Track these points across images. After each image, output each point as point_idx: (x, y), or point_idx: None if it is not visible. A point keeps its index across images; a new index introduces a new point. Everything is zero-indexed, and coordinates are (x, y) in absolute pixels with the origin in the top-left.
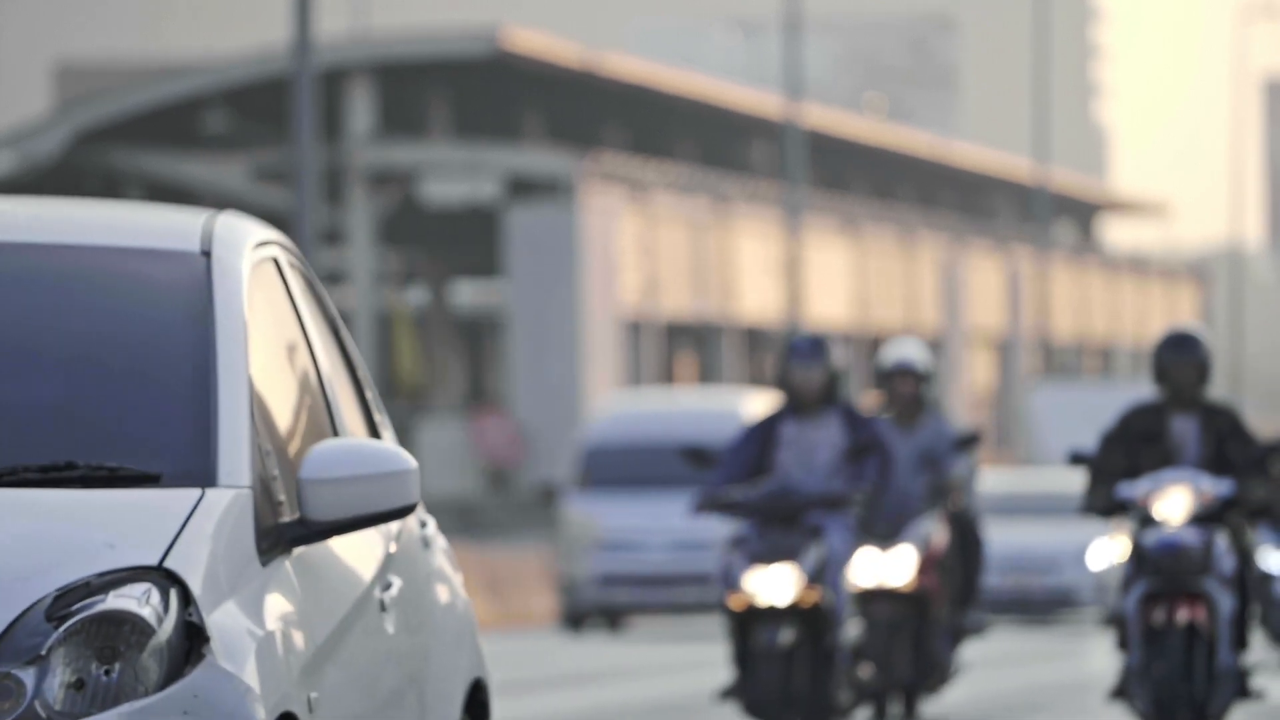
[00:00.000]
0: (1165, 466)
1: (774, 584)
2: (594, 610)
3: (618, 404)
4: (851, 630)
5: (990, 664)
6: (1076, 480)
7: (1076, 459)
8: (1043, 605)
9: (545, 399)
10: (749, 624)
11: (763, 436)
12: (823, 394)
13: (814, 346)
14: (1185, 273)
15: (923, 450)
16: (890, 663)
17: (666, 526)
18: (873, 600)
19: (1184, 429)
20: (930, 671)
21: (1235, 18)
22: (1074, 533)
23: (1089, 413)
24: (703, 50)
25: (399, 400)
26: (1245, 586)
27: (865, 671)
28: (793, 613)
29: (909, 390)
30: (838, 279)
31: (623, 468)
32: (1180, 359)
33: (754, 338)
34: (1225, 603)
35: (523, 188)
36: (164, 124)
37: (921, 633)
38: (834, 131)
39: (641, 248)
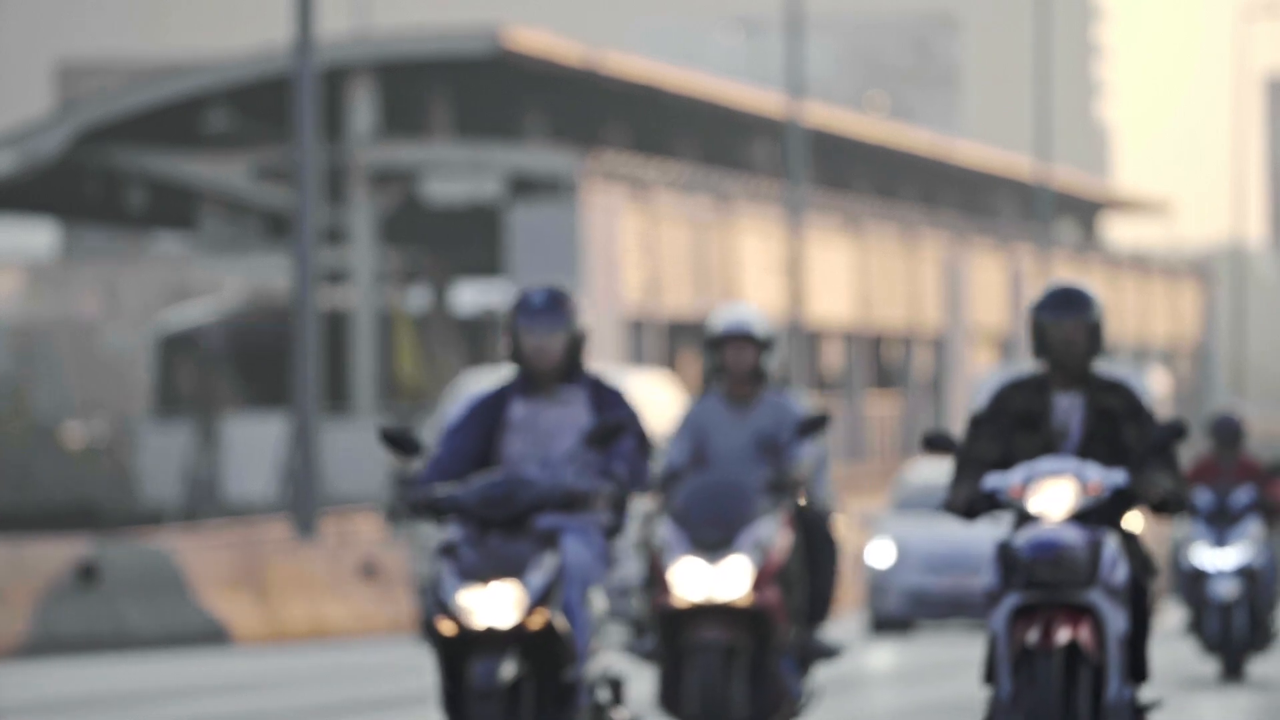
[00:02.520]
0: (1046, 454)
1: (492, 605)
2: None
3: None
4: (600, 663)
5: (915, 674)
6: None
7: (934, 443)
8: (981, 608)
9: None
10: (462, 654)
11: (487, 418)
12: (564, 365)
13: (551, 303)
14: (1187, 271)
15: (761, 435)
16: (724, 695)
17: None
18: (700, 621)
19: (1069, 409)
20: (772, 705)
21: (1237, 16)
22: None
23: None
24: (704, 49)
25: (400, 400)
26: (1141, 602)
27: (621, 715)
28: (517, 640)
29: (745, 361)
30: (840, 278)
31: None
32: (1064, 321)
33: None
34: (1115, 620)
35: (524, 187)
36: (165, 123)
37: (761, 658)
38: (836, 130)
39: (643, 246)
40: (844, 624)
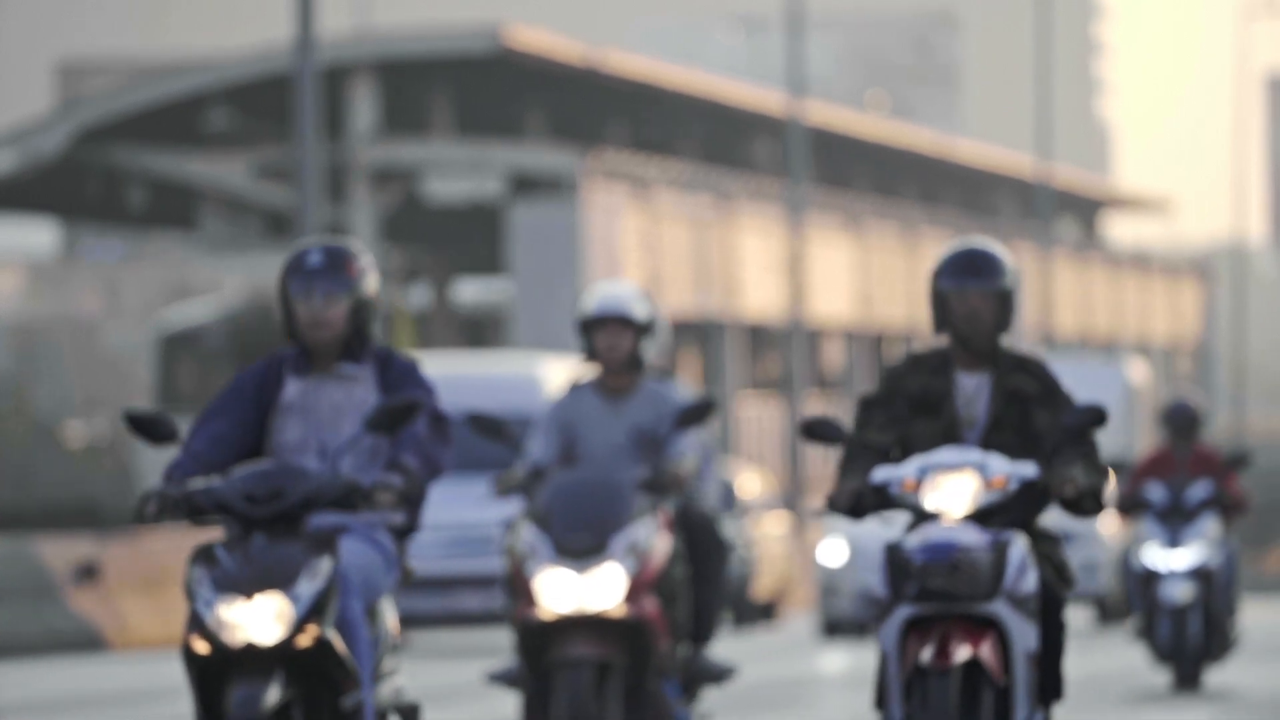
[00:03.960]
0: (946, 442)
1: (254, 620)
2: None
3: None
4: (391, 687)
5: (869, 680)
6: None
7: (816, 430)
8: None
9: None
10: (219, 678)
11: (257, 398)
12: (347, 336)
13: (330, 262)
14: (1188, 269)
15: (638, 429)
16: (596, 719)
17: (443, 519)
18: (568, 636)
19: (974, 391)
20: None
21: (1238, 14)
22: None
23: None
24: (705, 47)
25: None
26: (1054, 614)
27: None
28: (284, 661)
29: (620, 346)
30: (841, 276)
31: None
32: (968, 289)
33: (757, 335)
34: (1024, 634)
35: (525, 185)
36: (166, 122)
37: (638, 678)
38: (836, 128)
39: (644, 245)
40: (794, 627)
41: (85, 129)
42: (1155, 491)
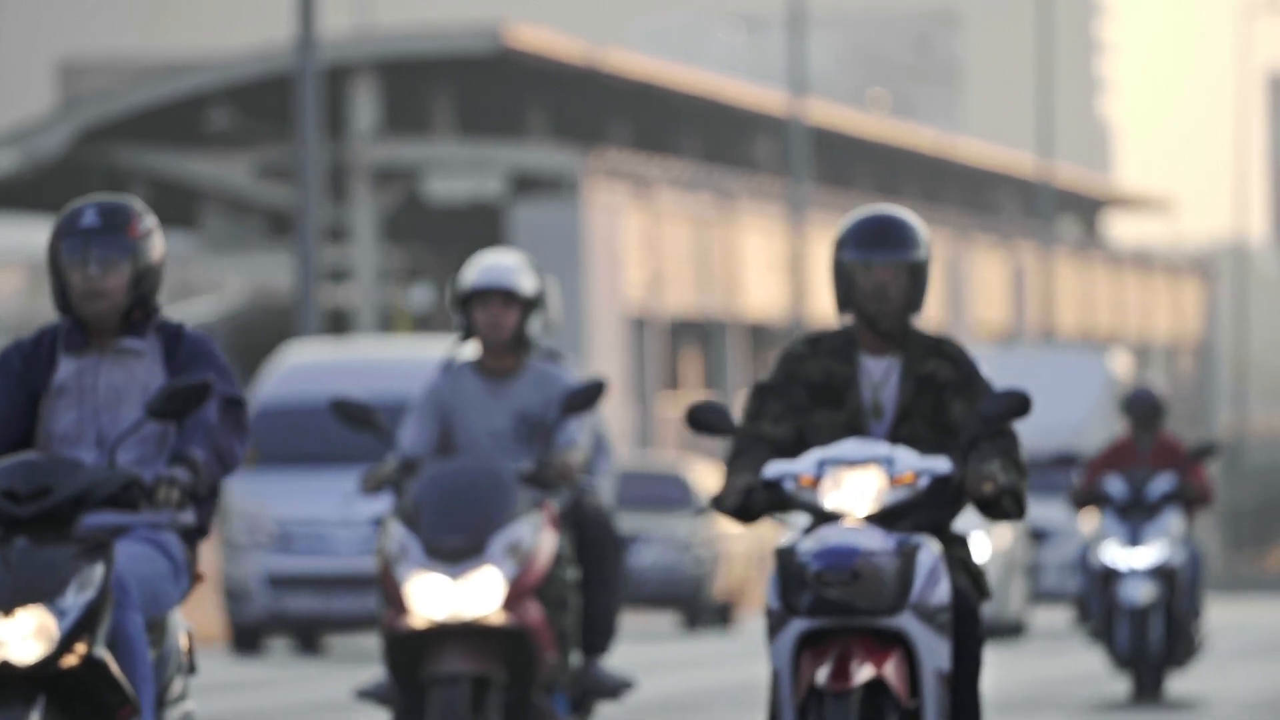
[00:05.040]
0: (850, 434)
1: (12, 638)
2: (268, 625)
3: (296, 355)
4: (179, 712)
5: None
6: None
7: (702, 420)
8: None
9: None
10: None
11: (27, 380)
12: (128, 307)
13: (107, 220)
14: (1190, 268)
15: (523, 415)
16: None
17: (357, 514)
18: (442, 647)
19: (881, 377)
20: None
21: (1239, 12)
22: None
23: (1003, 379)
24: (706, 46)
25: None
26: (969, 628)
27: None
28: (45, 684)
29: (504, 323)
30: None
31: (301, 438)
32: (875, 262)
33: (758, 334)
34: (934, 651)
35: (527, 184)
36: (168, 122)
37: (521, 693)
38: (838, 127)
39: (646, 244)
40: (752, 628)
41: (86, 129)
42: (1115, 485)
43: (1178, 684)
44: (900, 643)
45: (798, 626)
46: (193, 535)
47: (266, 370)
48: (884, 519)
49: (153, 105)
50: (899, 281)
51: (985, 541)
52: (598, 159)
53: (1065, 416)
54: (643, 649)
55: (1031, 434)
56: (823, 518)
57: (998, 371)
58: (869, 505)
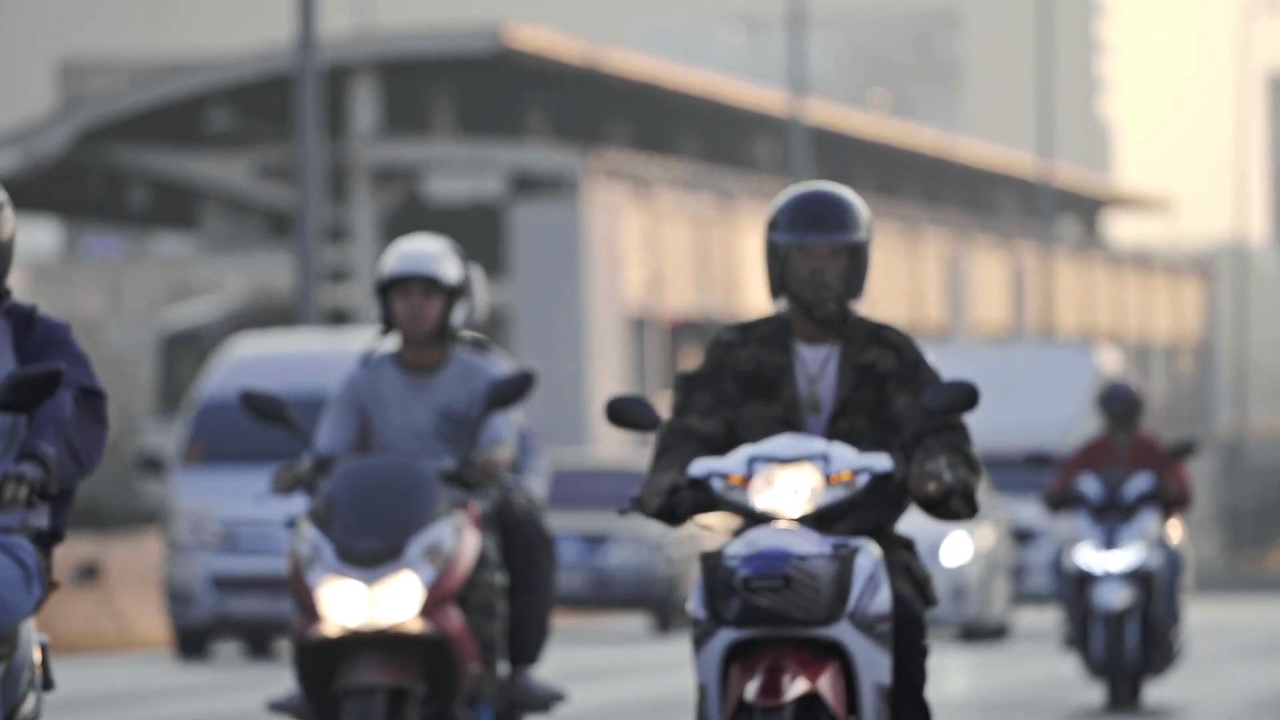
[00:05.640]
0: (785, 429)
1: None
2: (214, 628)
3: (244, 347)
4: None
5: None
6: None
7: (621, 413)
8: None
9: (549, 396)
10: None
11: None
12: None
13: None
14: (1190, 268)
15: (447, 410)
16: None
17: (269, 515)
18: (356, 657)
19: (818, 367)
20: None
21: (1239, 12)
22: (926, 522)
23: (974, 378)
24: (706, 46)
25: None
26: (913, 638)
27: None
28: None
29: (426, 313)
30: None
31: (247, 434)
32: (812, 243)
33: None
34: (873, 663)
35: (527, 184)
36: (168, 122)
37: (442, 705)
38: (838, 127)
39: (646, 244)
40: None
41: (86, 129)
42: (1090, 485)
43: (1154, 692)
44: (836, 654)
45: (725, 637)
46: (46, 539)
47: (211, 364)
48: (820, 521)
49: (153, 105)
50: (837, 265)
51: (967, 542)
52: (598, 159)
53: (1053, 414)
54: (614, 652)
55: (1020, 432)
56: (753, 519)
57: (986, 369)
58: (803, 506)
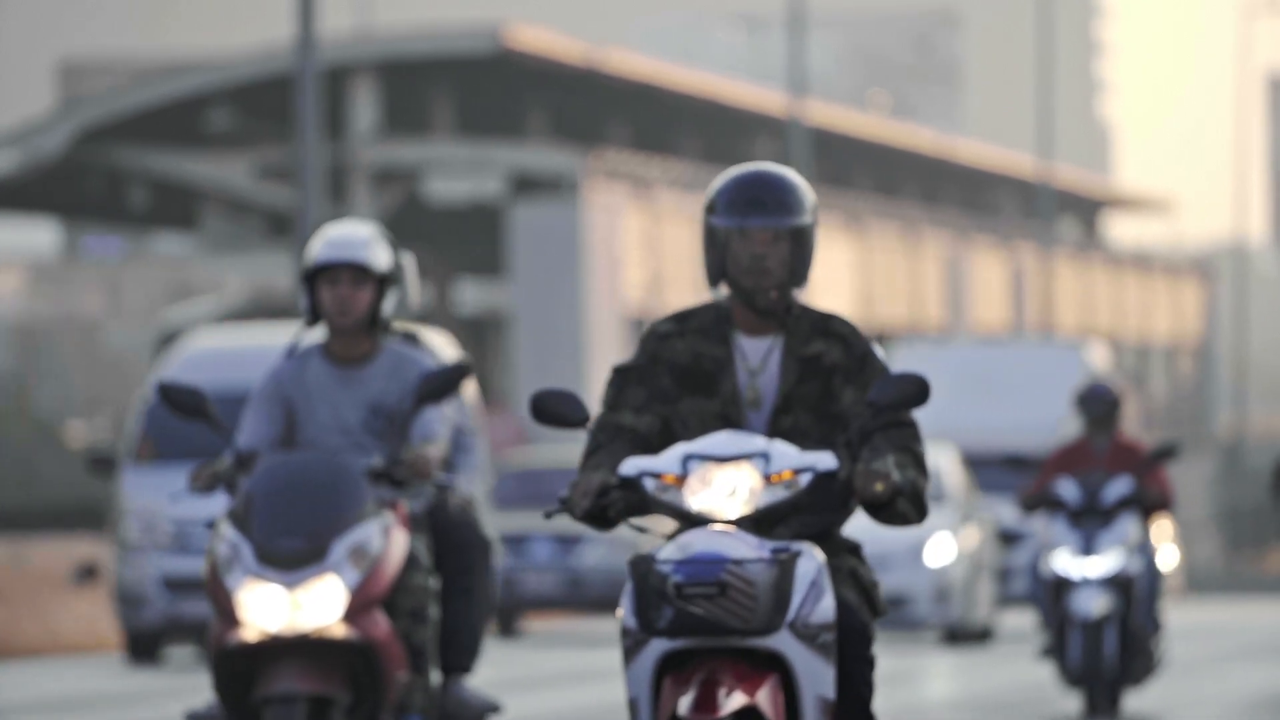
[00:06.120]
0: (723, 425)
1: None
2: (166, 631)
3: (200, 341)
4: None
5: None
6: (929, 458)
7: (548, 408)
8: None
9: None
10: None
11: None
12: None
13: None
14: (1189, 269)
15: (377, 404)
16: None
17: (186, 514)
18: (275, 664)
19: (759, 359)
20: None
21: (1239, 13)
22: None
23: (960, 376)
24: (706, 47)
25: None
26: (859, 649)
27: None
28: None
29: (355, 303)
30: (842, 276)
31: (200, 431)
32: (753, 228)
33: None
34: (816, 675)
35: (527, 185)
36: (168, 122)
37: (364, 718)
38: (838, 128)
39: (645, 245)
40: None
41: (86, 129)
42: (1067, 488)
43: (1133, 702)
44: (776, 666)
45: (657, 648)
46: None
47: (164, 358)
48: (759, 523)
49: (153, 105)
50: (779, 250)
51: (951, 542)
52: (597, 159)
53: (1043, 413)
54: (587, 655)
55: (1009, 431)
56: (689, 521)
57: (975, 368)
58: (741, 507)
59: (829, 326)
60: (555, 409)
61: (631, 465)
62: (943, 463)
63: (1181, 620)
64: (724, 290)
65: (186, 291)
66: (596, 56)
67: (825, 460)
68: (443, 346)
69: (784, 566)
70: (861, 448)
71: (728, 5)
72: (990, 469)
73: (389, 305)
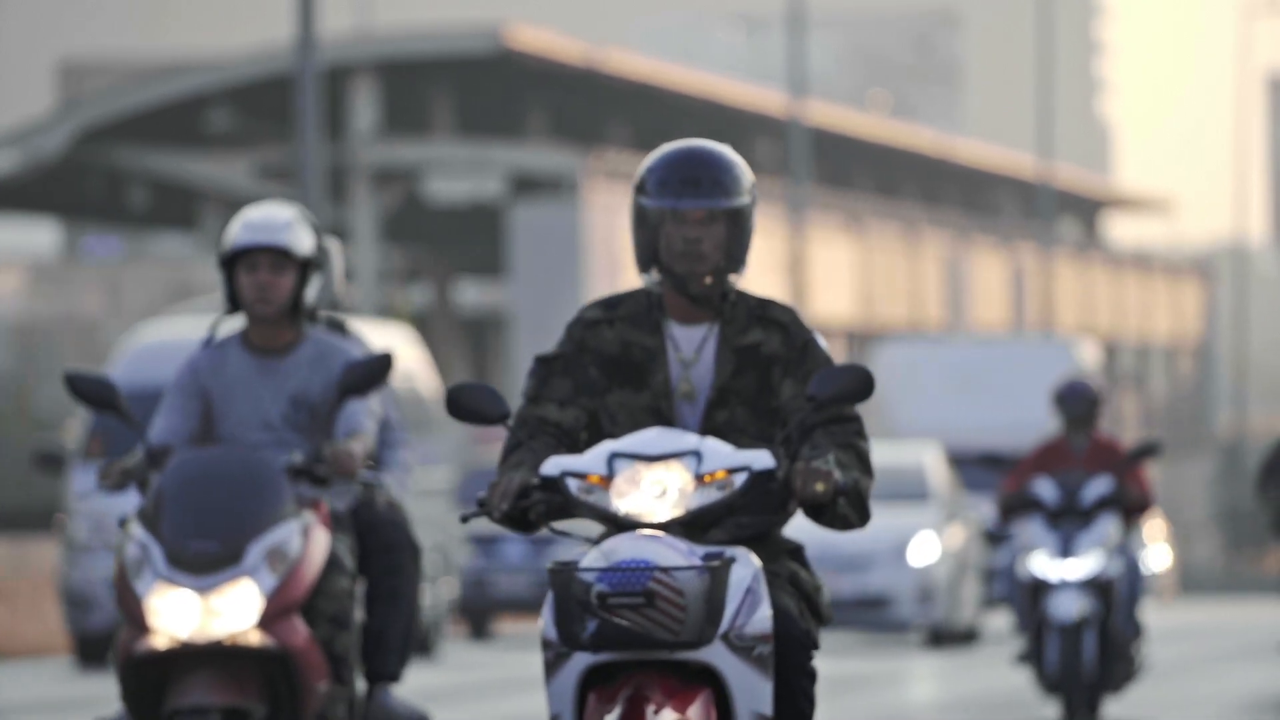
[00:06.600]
0: (654, 421)
1: None
2: (115, 634)
3: (147, 334)
4: None
5: None
6: (913, 456)
7: (462, 403)
8: (848, 611)
9: None
10: None
11: None
12: None
13: None
14: (1189, 269)
15: (299, 396)
16: None
17: (100, 511)
18: (187, 673)
19: (693, 350)
20: None
21: (1239, 13)
22: (893, 520)
23: (950, 374)
24: (706, 47)
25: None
26: (798, 662)
27: None
28: None
29: (276, 290)
30: (842, 276)
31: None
32: (686, 208)
33: None
34: (752, 690)
35: (526, 185)
36: (168, 122)
37: None
38: (838, 128)
39: None
40: None
41: (86, 129)
42: (1045, 488)
43: (1112, 709)
44: (709, 680)
45: (580, 662)
46: None
47: (114, 352)
48: (690, 527)
49: (153, 106)
50: (714, 233)
51: (935, 541)
52: (598, 159)
53: (1033, 412)
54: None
55: (997, 429)
56: (615, 525)
57: (964, 365)
58: (671, 510)
59: (767, 313)
60: (472, 404)
61: (553, 464)
62: (927, 461)
63: (1181, 621)
64: (655, 276)
65: (186, 291)
66: (596, 56)
67: (762, 459)
68: (373, 337)
69: (716, 573)
70: (801, 445)
71: (728, 5)
72: (977, 467)
73: (312, 292)
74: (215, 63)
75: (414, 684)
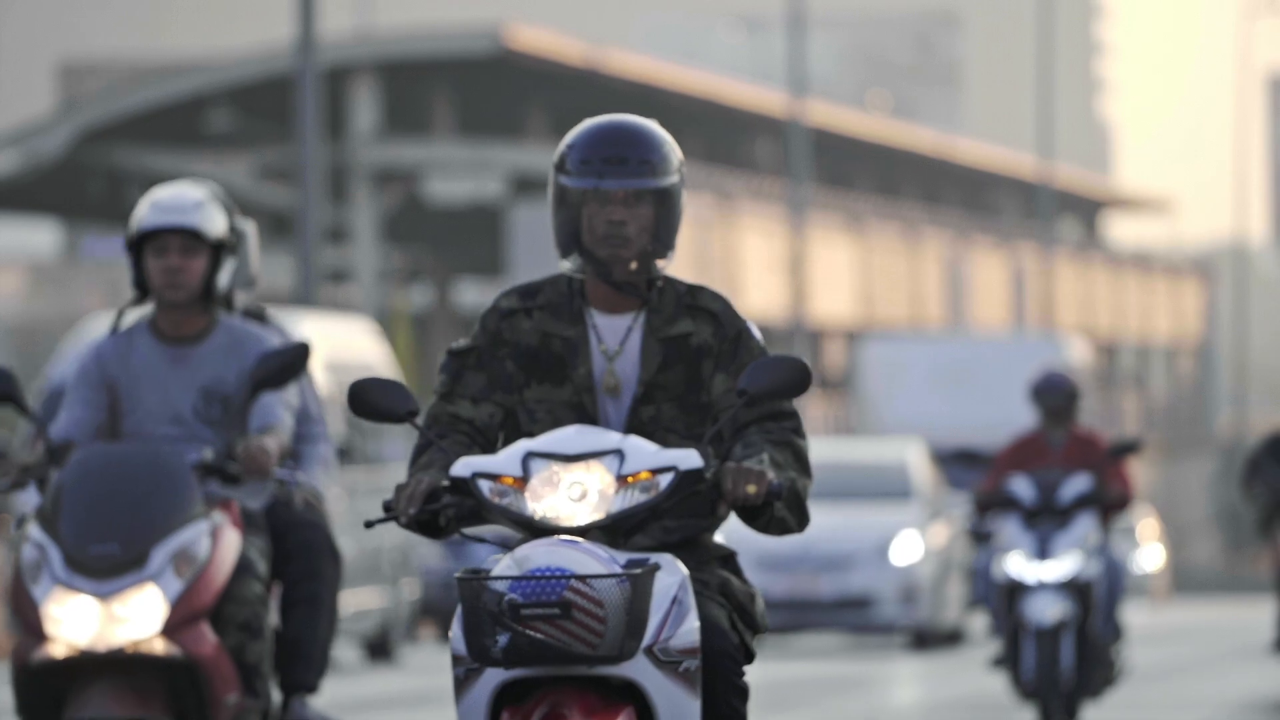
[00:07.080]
0: (575, 418)
1: None
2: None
3: (96, 329)
4: None
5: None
6: (895, 453)
7: (363, 400)
8: (829, 612)
9: None
10: None
11: None
12: None
13: None
14: (1189, 269)
15: (212, 388)
16: None
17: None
18: (88, 683)
19: (618, 341)
20: None
21: (1239, 13)
22: (875, 519)
23: (933, 371)
24: (707, 47)
25: None
26: (728, 677)
27: None
28: None
29: (187, 275)
30: (842, 276)
31: None
32: (609, 187)
33: None
34: (677, 707)
35: (526, 186)
36: (168, 123)
37: None
38: (838, 128)
39: None
40: None
41: (86, 129)
42: (1022, 486)
43: (1091, 715)
44: (631, 697)
45: (492, 678)
46: None
47: (61, 347)
48: (612, 532)
49: (153, 106)
50: (640, 215)
51: (918, 540)
52: None
53: (1019, 409)
54: None
55: (985, 426)
56: (531, 530)
57: (949, 363)
58: (591, 513)
59: (697, 302)
60: (375, 401)
61: (464, 465)
62: (910, 458)
63: (1173, 621)
64: (577, 261)
65: None
66: (596, 56)
67: (689, 458)
68: (295, 325)
69: (639, 582)
70: (733, 443)
71: (728, 5)
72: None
73: (225, 276)
74: (215, 63)
75: (371, 690)
